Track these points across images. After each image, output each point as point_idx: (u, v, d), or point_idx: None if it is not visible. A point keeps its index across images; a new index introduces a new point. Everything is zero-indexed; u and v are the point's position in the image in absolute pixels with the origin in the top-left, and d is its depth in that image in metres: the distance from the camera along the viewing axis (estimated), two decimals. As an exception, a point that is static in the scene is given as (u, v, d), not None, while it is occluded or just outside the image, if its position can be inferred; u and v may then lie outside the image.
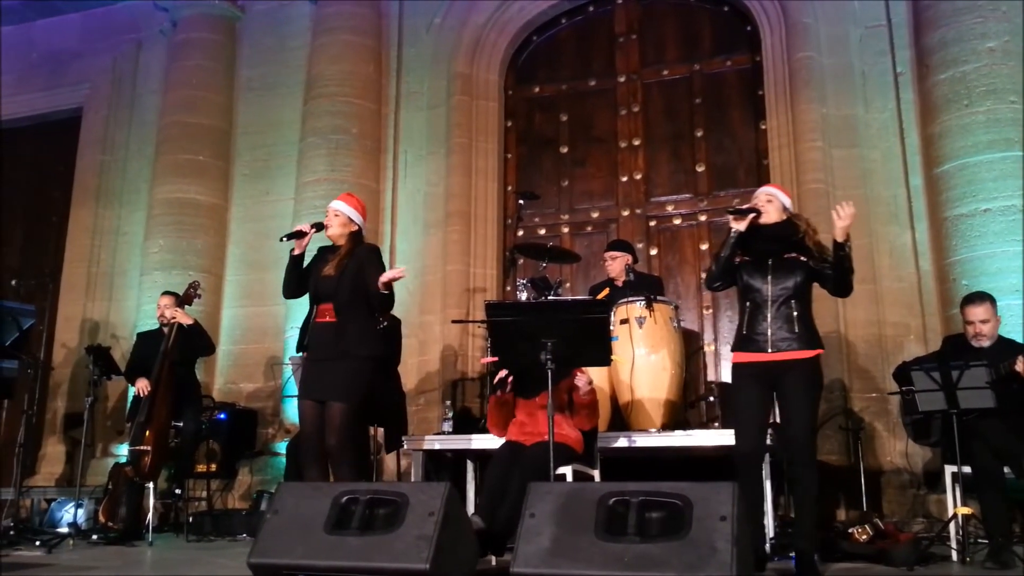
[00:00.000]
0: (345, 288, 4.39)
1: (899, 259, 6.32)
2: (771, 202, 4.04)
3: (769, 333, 3.88)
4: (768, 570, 4.13)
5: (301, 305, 7.08)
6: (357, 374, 4.35)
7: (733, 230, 4.01)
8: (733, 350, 4.05)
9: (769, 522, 4.63)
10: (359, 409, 4.42)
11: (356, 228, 4.58)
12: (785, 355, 3.85)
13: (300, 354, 5.67)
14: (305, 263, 4.60)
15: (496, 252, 7.47)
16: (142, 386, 5.83)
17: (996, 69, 5.92)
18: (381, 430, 5.88)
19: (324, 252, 4.60)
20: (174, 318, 5.88)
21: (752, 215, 4.00)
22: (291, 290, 4.63)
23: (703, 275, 6.78)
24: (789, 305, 3.89)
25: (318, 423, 4.34)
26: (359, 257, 4.48)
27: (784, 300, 3.90)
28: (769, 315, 3.90)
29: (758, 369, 3.89)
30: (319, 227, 4.55)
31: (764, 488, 4.60)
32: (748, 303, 4.00)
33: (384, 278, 4.27)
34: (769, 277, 3.94)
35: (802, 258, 3.95)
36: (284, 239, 4.55)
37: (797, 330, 3.86)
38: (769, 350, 3.87)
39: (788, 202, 4.09)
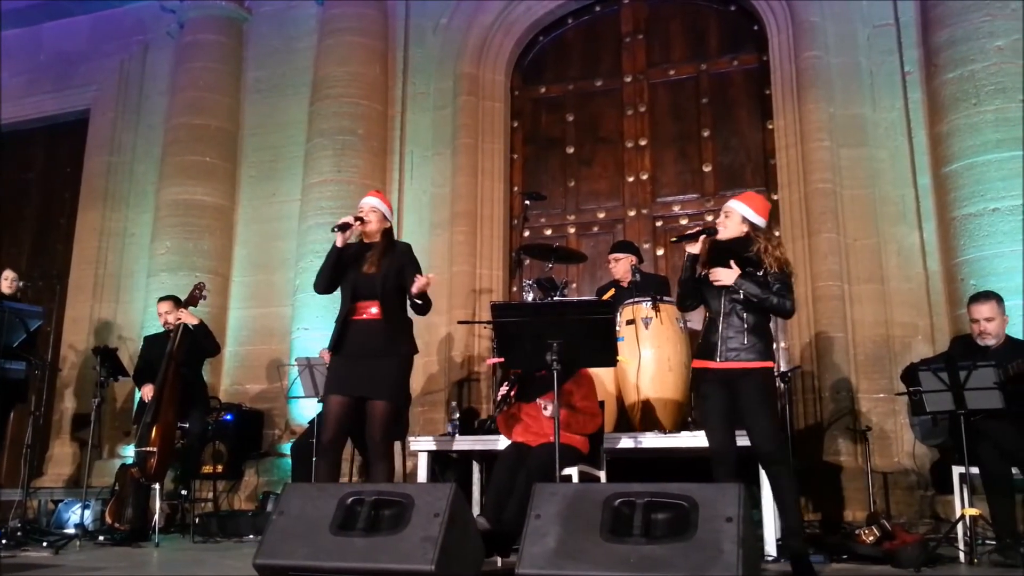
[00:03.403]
0: (390, 286, 4.41)
1: (907, 259, 6.30)
2: (728, 216, 4.09)
3: (719, 343, 3.97)
4: (772, 571, 4.12)
5: (308, 306, 7.20)
6: (400, 372, 4.43)
7: (687, 253, 4.10)
8: (694, 356, 4.18)
9: (774, 524, 4.61)
10: (399, 406, 4.45)
11: (389, 225, 4.60)
12: (734, 364, 3.92)
13: (317, 354, 5.63)
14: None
15: (502, 253, 7.46)
16: (148, 391, 5.85)
17: (1005, 68, 5.90)
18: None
19: (354, 249, 4.51)
20: (179, 320, 5.88)
21: (704, 235, 4.07)
22: (327, 284, 4.49)
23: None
24: (740, 316, 3.95)
25: (345, 420, 4.33)
26: (398, 255, 4.51)
27: (735, 312, 3.96)
28: (720, 326, 3.99)
29: (713, 375, 3.98)
30: (361, 222, 4.50)
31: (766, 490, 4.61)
32: (708, 314, 4.11)
33: (416, 288, 4.30)
34: (723, 289, 4.00)
35: (758, 272, 3.96)
36: (334, 230, 4.44)
37: (746, 341, 3.93)
38: (718, 359, 3.96)
39: (752, 214, 4.07)
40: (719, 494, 2.91)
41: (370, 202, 4.56)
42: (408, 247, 4.66)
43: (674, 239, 4.28)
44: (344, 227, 4.42)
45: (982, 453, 4.38)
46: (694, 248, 4.08)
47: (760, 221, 4.08)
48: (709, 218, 7.07)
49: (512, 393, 4.70)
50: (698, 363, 4.08)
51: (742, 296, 3.94)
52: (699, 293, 4.13)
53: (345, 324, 4.40)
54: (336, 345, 4.40)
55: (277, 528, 3.29)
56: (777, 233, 4.27)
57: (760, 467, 4.48)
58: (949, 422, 4.61)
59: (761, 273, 3.95)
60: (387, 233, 4.56)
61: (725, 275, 3.97)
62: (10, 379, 5.94)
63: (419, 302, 4.41)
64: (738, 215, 4.06)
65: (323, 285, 4.51)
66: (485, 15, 7.88)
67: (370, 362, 4.31)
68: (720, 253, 4.06)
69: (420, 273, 4.47)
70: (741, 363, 3.91)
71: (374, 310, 4.38)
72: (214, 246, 7.99)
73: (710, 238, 4.08)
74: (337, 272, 4.47)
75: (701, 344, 4.09)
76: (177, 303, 6.03)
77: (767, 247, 4.00)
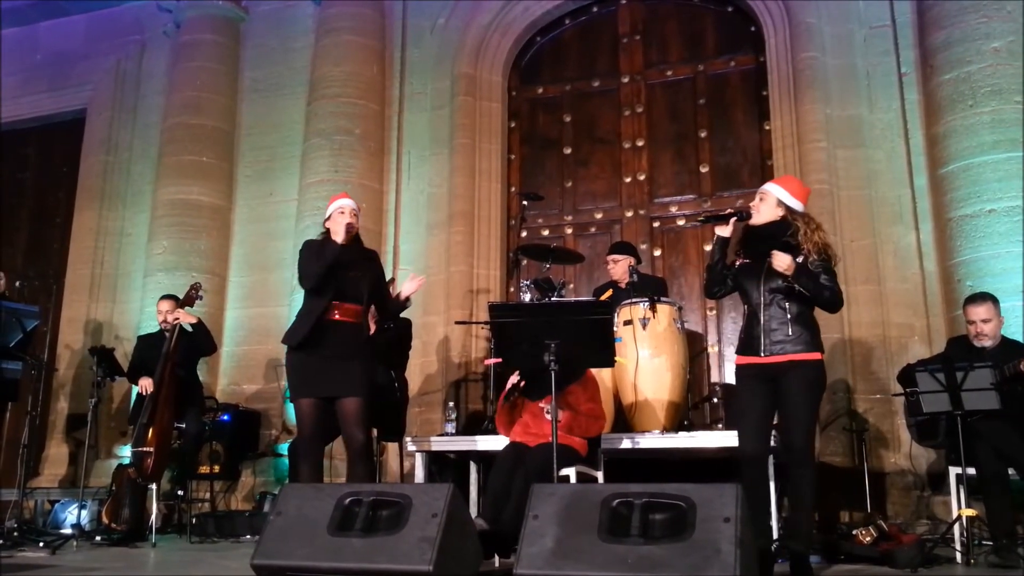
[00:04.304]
0: (370, 291, 4.48)
1: (903, 260, 6.30)
2: (763, 200, 3.92)
3: (762, 336, 3.80)
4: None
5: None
6: (369, 372, 4.46)
7: (716, 236, 3.96)
8: (736, 352, 4.02)
9: (773, 523, 4.61)
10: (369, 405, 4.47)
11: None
12: (780, 358, 3.77)
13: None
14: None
15: (500, 253, 7.46)
16: (146, 384, 5.84)
17: (1001, 69, 5.90)
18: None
19: (339, 249, 4.43)
20: (176, 320, 5.88)
21: (734, 218, 3.93)
22: (321, 281, 4.37)
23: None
24: (782, 306, 3.80)
25: (320, 421, 4.35)
26: (374, 261, 4.61)
27: (776, 301, 3.81)
28: (762, 318, 3.82)
29: (757, 370, 3.83)
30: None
31: (769, 489, 4.60)
32: (745, 306, 3.96)
33: (409, 291, 4.58)
34: (762, 278, 3.85)
35: (798, 259, 3.80)
36: (349, 230, 4.44)
37: (791, 332, 3.76)
38: (762, 354, 3.80)
39: (787, 197, 3.89)
40: (717, 495, 2.91)
41: (351, 204, 4.55)
42: (376, 254, 4.74)
43: (701, 219, 4.10)
44: (352, 228, 4.44)
45: (979, 454, 4.39)
46: (724, 231, 3.92)
47: (797, 205, 3.89)
48: (706, 219, 7.09)
49: (522, 384, 4.67)
50: (741, 359, 3.91)
51: (781, 284, 3.77)
52: (727, 280, 3.98)
53: (320, 323, 4.34)
54: (306, 343, 4.33)
55: (275, 528, 3.28)
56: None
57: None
58: (946, 423, 4.61)
59: (801, 260, 3.78)
60: (358, 236, 4.58)
61: (782, 260, 3.73)
62: (6, 379, 5.93)
63: (405, 306, 4.62)
64: (773, 198, 3.89)
65: (317, 282, 4.39)
66: (482, 15, 7.88)
67: (342, 364, 4.32)
68: (754, 239, 3.90)
69: (386, 282, 4.63)
70: (788, 356, 3.74)
71: (356, 313, 4.40)
72: (211, 246, 7.98)
73: (741, 223, 3.92)
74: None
75: (743, 339, 3.93)
76: (179, 302, 6.03)
77: (806, 231, 3.81)
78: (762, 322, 3.82)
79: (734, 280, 3.99)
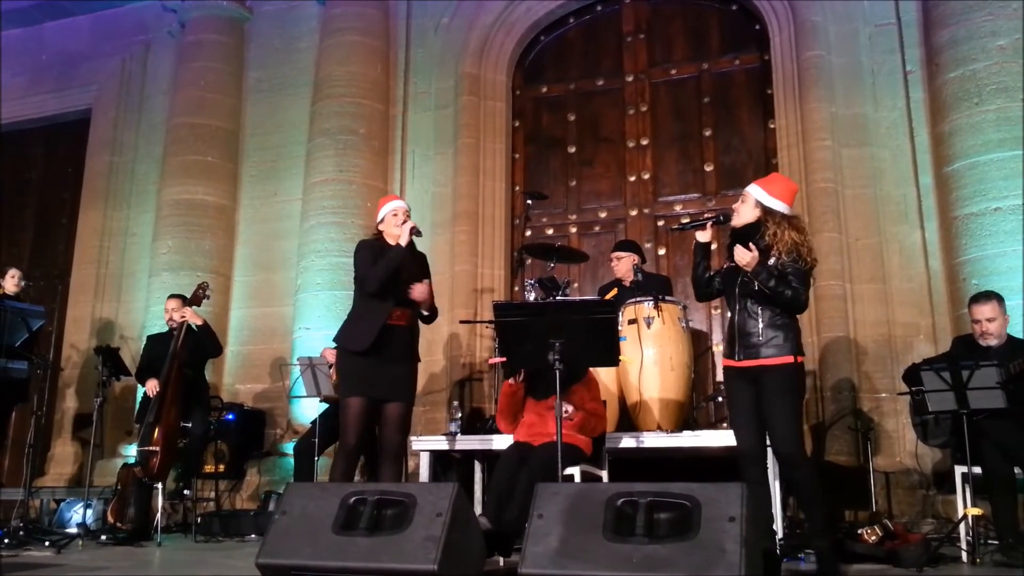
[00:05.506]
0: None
1: (909, 258, 6.29)
2: (743, 201, 3.90)
3: (737, 339, 3.81)
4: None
5: (309, 306, 7.20)
6: (415, 376, 4.62)
7: (695, 243, 3.99)
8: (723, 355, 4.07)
9: (778, 523, 4.60)
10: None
11: None
12: (753, 362, 3.76)
13: (319, 353, 5.64)
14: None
15: (504, 252, 7.46)
16: (152, 386, 5.86)
17: (1006, 67, 5.88)
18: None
19: (404, 252, 4.45)
20: (183, 319, 5.89)
21: (711, 222, 3.95)
22: (386, 286, 4.40)
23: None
24: (753, 310, 3.78)
25: (367, 422, 4.41)
26: (424, 266, 4.68)
27: (746, 306, 3.80)
28: (736, 320, 3.83)
29: (737, 372, 3.84)
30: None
31: (772, 488, 4.59)
32: (728, 309, 4.00)
33: (414, 296, 4.49)
34: (739, 280, 3.83)
35: (769, 261, 3.75)
36: (418, 233, 4.48)
37: (763, 336, 3.74)
38: (736, 357, 3.81)
39: (765, 197, 3.85)
40: (722, 494, 2.90)
41: (405, 205, 4.60)
42: (425, 257, 4.74)
43: (675, 227, 4.18)
44: (417, 230, 4.49)
45: (985, 453, 4.38)
46: (703, 236, 3.95)
47: (776, 204, 3.83)
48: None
49: (523, 372, 4.68)
50: (724, 361, 3.95)
51: (753, 287, 3.75)
52: (713, 283, 4.01)
53: (383, 327, 4.36)
54: (370, 347, 4.34)
55: (280, 528, 3.28)
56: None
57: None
58: (951, 422, 4.60)
59: (773, 262, 3.72)
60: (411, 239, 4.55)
61: (742, 255, 3.73)
62: (12, 379, 5.95)
63: (426, 313, 4.61)
64: (752, 199, 3.87)
65: (381, 286, 4.38)
66: (486, 15, 7.88)
67: (396, 367, 4.41)
68: (736, 242, 3.88)
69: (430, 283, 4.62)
70: (759, 360, 3.73)
71: (408, 317, 4.50)
72: (216, 246, 7.99)
73: (718, 227, 3.94)
74: None
75: (725, 340, 3.98)
76: (187, 301, 6.05)
77: (776, 232, 3.75)
78: (736, 325, 3.84)
79: (720, 283, 4.02)
